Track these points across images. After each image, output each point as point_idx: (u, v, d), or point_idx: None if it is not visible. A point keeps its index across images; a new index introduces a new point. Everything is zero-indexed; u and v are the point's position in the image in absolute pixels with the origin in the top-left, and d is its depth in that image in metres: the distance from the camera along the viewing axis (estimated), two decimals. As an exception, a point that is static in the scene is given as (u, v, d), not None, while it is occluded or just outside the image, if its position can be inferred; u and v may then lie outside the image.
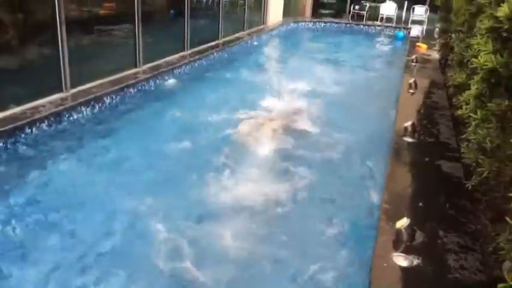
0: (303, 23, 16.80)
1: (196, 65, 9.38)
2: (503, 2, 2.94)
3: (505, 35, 3.02)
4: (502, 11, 2.83)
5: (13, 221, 3.78)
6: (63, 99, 6.12)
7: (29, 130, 5.27)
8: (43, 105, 5.80)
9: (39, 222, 3.83)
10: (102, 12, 7.70)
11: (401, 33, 15.04)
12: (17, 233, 3.68)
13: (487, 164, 3.14)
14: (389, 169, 4.45)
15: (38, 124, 5.40)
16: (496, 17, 3.01)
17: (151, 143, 5.63)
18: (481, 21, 3.76)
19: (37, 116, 5.45)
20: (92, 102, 6.29)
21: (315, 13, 18.48)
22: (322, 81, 9.10)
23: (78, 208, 4.08)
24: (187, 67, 9.05)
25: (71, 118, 5.90)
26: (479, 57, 3.27)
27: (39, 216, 3.90)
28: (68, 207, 4.07)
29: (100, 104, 6.42)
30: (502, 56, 3.06)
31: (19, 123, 5.22)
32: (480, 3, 4.23)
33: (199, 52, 10.00)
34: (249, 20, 13.62)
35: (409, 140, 5.13)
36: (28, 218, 3.87)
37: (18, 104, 5.61)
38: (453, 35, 6.32)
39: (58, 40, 6.09)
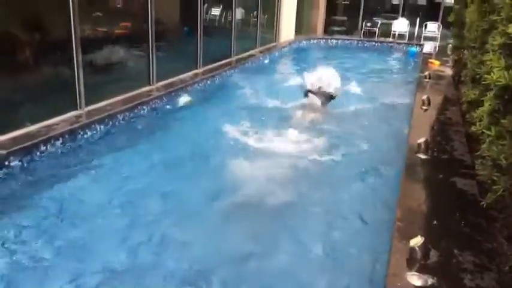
0: (314, 41, 16.90)
1: (208, 82, 9.47)
2: (515, 19, 2.93)
3: (517, 51, 3.01)
4: (514, 27, 2.82)
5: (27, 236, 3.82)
6: (77, 117, 6.22)
7: (44, 147, 5.36)
8: (57, 123, 5.90)
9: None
10: (117, 31, 7.86)
11: (414, 49, 15.03)
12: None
13: (502, 181, 3.09)
14: (403, 186, 4.40)
15: (53, 141, 5.48)
16: (508, 34, 3.00)
17: (162, 159, 5.67)
18: (493, 37, 3.75)
19: (52, 134, 5.54)
20: (106, 120, 6.38)
21: (327, 30, 18.59)
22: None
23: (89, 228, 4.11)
24: (200, 85, 9.15)
25: (85, 135, 5.98)
26: (492, 74, 3.25)
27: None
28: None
29: (114, 121, 6.50)
30: (515, 72, 3.04)
31: (35, 140, 5.31)
32: (492, 19, 4.21)
33: (212, 70, 10.11)
34: (262, 37, 13.75)
35: (423, 156, 5.07)
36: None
37: (34, 122, 5.71)
38: (466, 51, 6.29)
39: (73, 59, 6.23)
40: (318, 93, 7.63)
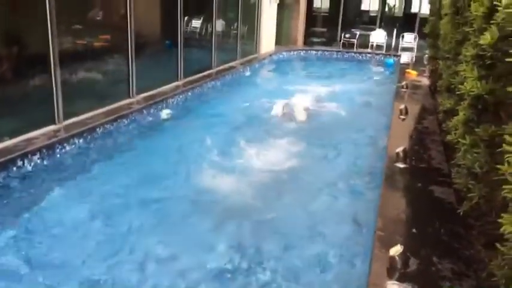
0: (295, 52, 17.05)
1: (189, 94, 9.46)
2: (485, 30, 3.02)
3: (489, 62, 3.09)
4: (485, 39, 2.90)
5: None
6: (55, 131, 6.13)
7: (21, 162, 5.26)
8: (36, 138, 5.80)
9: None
10: (96, 43, 7.81)
11: (390, 60, 15.30)
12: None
13: (477, 189, 3.16)
14: (383, 195, 4.45)
15: (30, 156, 5.39)
16: (480, 45, 3.09)
17: (144, 173, 5.62)
18: (466, 48, 3.85)
19: (30, 149, 5.44)
20: (85, 134, 6.30)
21: (307, 41, 18.79)
22: (314, 106, 9.20)
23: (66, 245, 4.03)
24: (181, 97, 9.13)
25: (63, 150, 5.89)
26: (465, 84, 3.34)
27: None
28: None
29: (93, 135, 6.42)
30: (487, 82, 3.12)
31: (11, 155, 5.21)
32: (465, 31, 4.33)
33: (192, 82, 10.11)
34: (242, 49, 13.82)
35: (401, 165, 5.15)
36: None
37: (11, 136, 5.61)
38: (441, 62, 6.44)
39: (51, 72, 6.15)
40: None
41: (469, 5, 4.01)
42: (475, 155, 3.21)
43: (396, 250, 3.24)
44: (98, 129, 6.56)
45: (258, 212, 4.79)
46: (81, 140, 6.21)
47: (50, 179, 5.22)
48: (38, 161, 5.47)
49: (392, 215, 4.04)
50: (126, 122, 7.21)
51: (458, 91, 3.79)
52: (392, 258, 3.20)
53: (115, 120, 6.99)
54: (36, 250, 3.91)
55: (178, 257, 3.89)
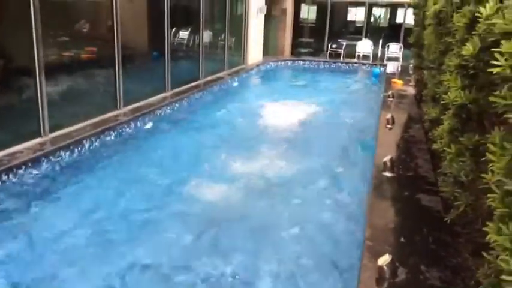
0: (282, 62, 17.16)
1: (177, 105, 9.44)
2: (468, 41, 3.07)
3: (471, 72, 3.14)
4: (467, 50, 2.95)
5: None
6: (41, 144, 6.06)
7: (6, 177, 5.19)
8: (21, 151, 5.73)
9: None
10: (83, 55, 7.77)
11: (377, 70, 15.47)
12: None
13: (464, 197, 3.19)
14: (370, 204, 4.47)
15: (15, 170, 5.31)
16: (463, 55, 3.13)
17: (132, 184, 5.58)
18: (449, 58, 3.91)
19: (14, 163, 5.37)
20: (71, 147, 6.24)
21: (294, 52, 18.93)
22: (302, 116, 9.25)
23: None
24: (169, 108, 9.10)
25: (49, 163, 5.82)
26: (449, 93, 3.38)
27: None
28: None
29: (79, 148, 6.37)
30: (470, 92, 3.17)
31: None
32: (448, 41, 4.40)
33: (180, 93, 10.09)
34: (230, 60, 13.87)
35: (389, 174, 5.18)
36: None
37: (-5, 150, 5.54)
38: (426, 72, 6.53)
39: (37, 84, 6.10)
40: None
41: (452, 16, 4.09)
42: (461, 163, 3.24)
43: (385, 260, 3.25)
44: (84, 142, 6.50)
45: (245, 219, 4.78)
46: (67, 153, 6.14)
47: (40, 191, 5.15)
48: (22, 174, 5.40)
49: (380, 224, 4.05)
50: (112, 134, 7.16)
51: (442, 100, 3.84)
52: (381, 268, 3.20)
53: (102, 132, 6.93)
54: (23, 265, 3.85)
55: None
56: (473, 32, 2.97)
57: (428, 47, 6.20)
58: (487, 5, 2.71)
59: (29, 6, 5.83)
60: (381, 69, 15.42)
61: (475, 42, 2.88)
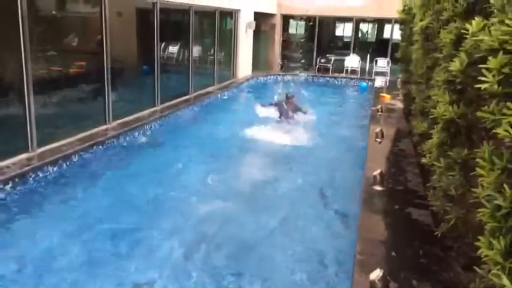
0: (271, 77, 17.27)
1: (166, 119, 9.42)
2: (455, 56, 3.11)
3: (459, 87, 3.18)
4: (455, 65, 2.99)
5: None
6: (29, 159, 5.99)
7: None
8: (8, 166, 5.65)
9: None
10: (71, 70, 7.74)
11: (364, 84, 15.65)
12: None
13: (454, 211, 3.20)
14: (361, 219, 4.47)
15: (1, 186, 5.23)
16: (450, 71, 3.18)
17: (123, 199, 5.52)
18: (437, 73, 3.96)
19: (1, 178, 5.30)
20: (60, 161, 6.17)
21: (283, 67, 19.08)
22: (291, 132, 9.29)
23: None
24: (158, 122, 9.08)
25: (37, 178, 5.75)
26: (438, 108, 3.42)
27: None
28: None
29: (67, 163, 6.30)
30: (458, 106, 3.20)
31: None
32: (435, 57, 4.46)
33: (170, 107, 10.08)
34: (219, 74, 13.92)
35: (379, 188, 5.20)
36: None
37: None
38: (413, 86, 6.60)
39: (25, 99, 6.05)
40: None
41: (439, 32, 4.16)
42: (450, 177, 3.27)
43: (376, 274, 3.24)
44: (72, 156, 6.43)
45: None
46: (55, 168, 6.07)
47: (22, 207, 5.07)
48: (9, 189, 5.32)
49: (371, 238, 4.05)
50: (101, 148, 7.10)
51: (431, 115, 3.88)
52: (372, 282, 3.19)
53: (90, 146, 6.88)
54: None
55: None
56: (460, 48, 3.02)
57: (416, 62, 6.28)
58: (473, 22, 2.76)
59: (18, 20, 5.80)
60: (368, 83, 15.59)
61: (462, 58, 2.93)
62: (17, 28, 5.81)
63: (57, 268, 4.03)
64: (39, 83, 6.35)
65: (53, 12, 7.57)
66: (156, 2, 9.55)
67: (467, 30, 2.78)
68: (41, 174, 5.83)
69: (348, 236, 4.61)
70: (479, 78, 2.23)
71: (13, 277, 3.86)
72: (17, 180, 5.46)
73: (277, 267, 4.21)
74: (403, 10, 9.34)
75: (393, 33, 17.57)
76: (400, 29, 10.68)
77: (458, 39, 3.24)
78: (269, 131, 8.91)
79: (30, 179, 5.67)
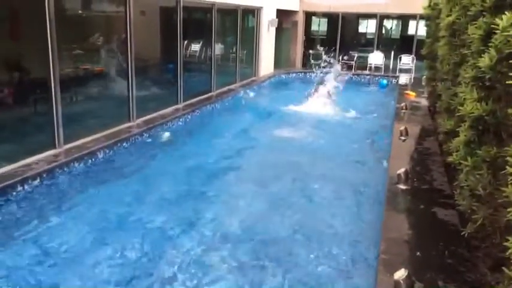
0: (293, 74, 17.20)
1: (189, 117, 9.50)
2: (483, 52, 3.04)
3: (488, 84, 3.10)
4: (484, 61, 2.92)
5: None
6: (56, 156, 6.12)
7: (21, 187, 5.24)
8: (36, 162, 5.79)
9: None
10: (96, 68, 7.88)
11: (384, 81, 15.44)
12: None
13: (481, 211, 3.13)
14: (385, 218, 4.41)
15: (30, 181, 5.37)
16: (479, 67, 3.10)
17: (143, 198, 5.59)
18: (464, 70, 3.87)
19: (29, 174, 5.42)
20: (85, 158, 6.29)
21: (305, 64, 18.97)
22: (315, 128, 9.26)
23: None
24: (181, 120, 9.15)
25: (63, 174, 5.87)
26: (465, 105, 3.34)
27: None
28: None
29: (93, 159, 6.42)
30: (487, 103, 3.12)
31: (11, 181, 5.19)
32: (463, 53, 4.37)
33: (192, 105, 10.15)
34: (241, 72, 13.94)
35: (403, 187, 5.12)
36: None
37: (10, 162, 5.59)
38: (439, 83, 6.47)
39: (52, 97, 6.18)
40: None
41: (466, 28, 4.06)
42: (478, 176, 3.19)
43: (401, 274, 3.20)
44: (97, 153, 6.55)
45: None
46: (80, 164, 6.19)
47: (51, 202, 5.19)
48: (37, 184, 5.45)
49: (395, 237, 3.99)
50: (125, 145, 7.21)
51: (458, 112, 3.80)
52: (397, 282, 3.15)
53: (115, 144, 6.99)
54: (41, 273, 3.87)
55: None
56: (490, 44, 2.94)
57: (442, 59, 6.16)
58: (504, 16, 2.68)
59: (45, 20, 5.93)
60: (389, 80, 15.38)
61: (492, 54, 2.85)
62: (44, 28, 5.94)
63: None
64: (66, 81, 6.48)
65: (79, 11, 7.72)
66: (179, 1, 9.61)
67: (497, 25, 2.71)
68: (67, 170, 5.95)
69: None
70: (510, 74, 2.17)
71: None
72: (44, 175, 5.58)
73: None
74: (429, 5, 9.16)
75: (418, 29, 17.26)
76: (426, 25, 10.48)
77: (488, 35, 3.16)
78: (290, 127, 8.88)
79: (57, 174, 5.78)
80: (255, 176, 6.53)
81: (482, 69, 2.99)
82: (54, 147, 6.28)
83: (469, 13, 4.03)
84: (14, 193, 5.15)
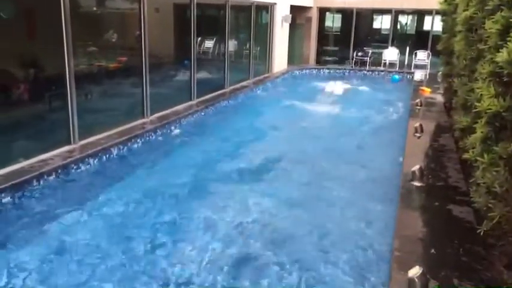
0: (307, 70, 17.13)
1: (203, 113, 9.52)
2: (501, 47, 2.98)
3: (506, 79, 3.04)
4: (502, 56, 2.86)
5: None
6: (70, 152, 6.19)
7: (37, 183, 5.31)
8: (51, 158, 5.87)
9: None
10: (111, 65, 7.94)
11: (396, 77, 15.30)
12: None
13: (498, 208, 3.08)
14: (399, 215, 4.37)
15: (45, 177, 5.44)
16: (497, 62, 3.04)
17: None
18: (481, 65, 3.80)
19: (45, 169, 5.50)
20: (100, 154, 6.35)
21: (319, 60, 18.87)
22: (329, 124, 9.22)
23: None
24: (195, 116, 9.19)
25: (78, 169, 5.95)
26: (482, 101, 3.28)
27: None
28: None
29: (107, 155, 6.48)
30: (504, 99, 3.07)
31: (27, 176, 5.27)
32: (480, 48, 4.29)
33: (206, 101, 10.18)
34: (255, 68, 13.92)
35: (418, 184, 5.07)
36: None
37: (27, 157, 5.68)
38: (456, 79, 6.37)
39: (67, 93, 6.26)
40: None
41: (483, 23, 3.98)
42: (495, 173, 3.14)
43: (415, 272, 3.16)
44: (112, 149, 6.61)
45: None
46: (95, 160, 6.26)
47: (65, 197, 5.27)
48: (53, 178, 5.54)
49: (409, 235, 3.96)
50: (139, 141, 7.26)
51: (474, 108, 3.73)
52: (411, 280, 3.12)
53: (129, 140, 7.04)
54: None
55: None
56: (508, 38, 2.88)
57: (459, 54, 6.06)
58: (522, 10, 2.63)
59: (61, 18, 6.00)
60: (401, 75, 15.28)
61: (510, 48, 2.80)
62: (60, 25, 6.00)
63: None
64: (81, 78, 6.55)
65: (94, 8, 7.78)
66: (193, -3, 9.63)
67: (516, 19, 2.66)
68: (82, 166, 6.01)
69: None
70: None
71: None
72: (59, 171, 5.65)
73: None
74: (445, 0, 9.02)
75: (434, 25, 17.02)
76: (442, 20, 10.31)
77: (506, 29, 3.10)
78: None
79: (72, 170, 5.85)
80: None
81: (500, 64, 2.93)
82: (69, 143, 6.36)
83: (487, 7, 3.95)
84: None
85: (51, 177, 5.51)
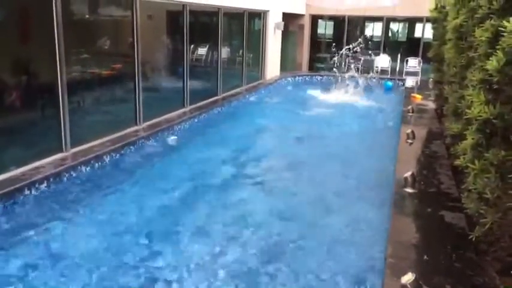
0: (300, 77, 17.20)
1: (196, 120, 9.52)
2: (491, 55, 3.02)
3: (495, 86, 3.08)
4: (491, 64, 2.90)
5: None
6: (63, 159, 6.15)
7: (28, 191, 5.27)
8: (43, 166, 5.82)
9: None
10: (103, 72, 7.92)
11: (389, 83, 15.39)
12: None
13: (490, 214, 3.10)
14: (392, 221, 4.38)
15: (37, 185, 5.40)
16: (486, 70, 3.08)
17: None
18: (472, 73, 3.85)
19: (37, 177, 5.46)
20: (92, 162, 6.32)
21: (312, 67, 18.97)
22: (319, 132, 9.24)
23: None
24: (187, 123, 9.18)
25: (71, 178, 5.91)
26: (472, 108, 3.32)
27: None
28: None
29: (99, 163, 6.44)
30: (494, 106, 3.10)
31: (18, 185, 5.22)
32: (470, 56, 4.34)
33: (199, 108, 10.18)
34: (248, 75, 13.96)
35: (410, 190, 5.09)
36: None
37: (18, 165, 5.63)
38: (446, 86, 6.44)
39: (59, 101, 6.23)
40: None
41: (473, 30, 4.04)
42: (486, 179, 3.17)
43: (408, 278, 3.17)
44: (104, 157, 6.58)
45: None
46: (88, 168, 6.22)
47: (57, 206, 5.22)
48: (45, 187, 5.49)
49: (402, 241, 3.97)
50: (132, 149, 7.24)
51: (465, 115, 3.77)
52: (404, 286, 3.13)
53: (122, 147, 7.02)
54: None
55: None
56: (497, 46, 2.92)
57: (449, 62, 6.13)
58: (511, 19, 2.67)
59: (53, 25, 5.99)
60: (394, 82, 15.36)
61: (500, 56, 2.84)
62: (52, 32, 5.99)
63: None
64: (73, 85, 6.52)
65: (86, 16, 7.76)
66: (186, 5, 9.66)
67: (505, 28, 2.70)
68: (74, 174, 5.97)
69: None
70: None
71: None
72: (51, 179, 5.61)
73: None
74: (436, 8, 9.13)
75: (424, 32, 17.20)
76: (432, 28, 10.44)
77: (495, 38, 3.14)
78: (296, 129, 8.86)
79: (64, 178, 5.81)
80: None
81: (490, 71, 2.97)
82: (61, 151, 6.32)
83: (476, 15, 4.01)
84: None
85: (43, 186, 5.47)
